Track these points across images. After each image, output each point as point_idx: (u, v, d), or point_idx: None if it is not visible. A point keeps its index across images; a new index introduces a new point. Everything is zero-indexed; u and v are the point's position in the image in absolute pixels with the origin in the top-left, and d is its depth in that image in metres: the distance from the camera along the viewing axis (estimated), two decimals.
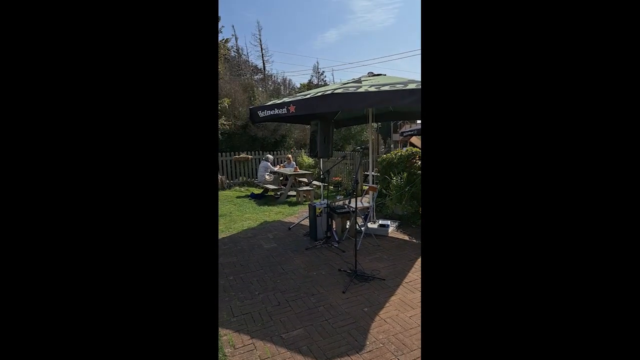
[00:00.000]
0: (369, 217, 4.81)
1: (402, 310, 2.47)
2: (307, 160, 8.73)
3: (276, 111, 3.88)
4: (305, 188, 6.71)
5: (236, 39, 22.90)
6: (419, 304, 2.55)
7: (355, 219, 3.98)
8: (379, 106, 4.17)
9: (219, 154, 8.43)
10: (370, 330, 2.22)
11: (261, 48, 21.31)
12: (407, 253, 3.67)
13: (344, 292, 2.75)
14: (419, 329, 2.23)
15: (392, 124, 14.28)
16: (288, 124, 11.95)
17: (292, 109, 3.65)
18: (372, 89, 3.41)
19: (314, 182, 7.10)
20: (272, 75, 21.36)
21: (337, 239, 4.07)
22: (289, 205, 6.28)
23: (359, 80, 4.15)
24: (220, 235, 4.42)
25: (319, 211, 4.12)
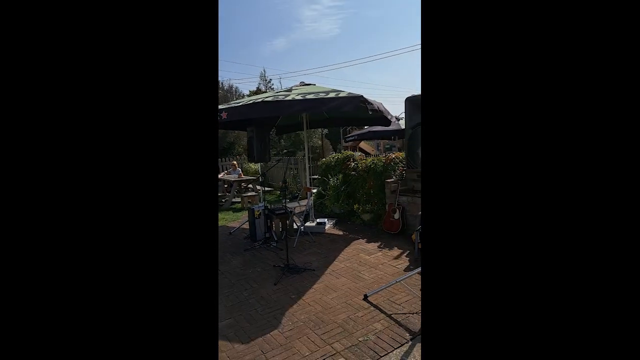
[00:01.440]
0: (309, 216, 5.11)
1: (325, 294, 2.77)
2: (254, 166, 8.83)
3: None
4: (249, 194, 6.82)
5: None
6: (342, 287, 2.88)
7: (292, 219, 4.24)
8: (303, 113, 4.47)
9: None
10: (294, 313, 2.47)
11: None
12: (339, 246, 4.01)
13: (275, 284, 2.98)
14: (338, 307, 2.54)
15: (341, 130, 14.86)
16: (236, 132, 11.91)
17: (224, 115, 3.82)
18: (299, 97, 3.72)
19: (257, 187, 7.24)
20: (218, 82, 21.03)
21: (275, 239, 4.29)
22: (233, 212, 6.35)
23: (289, 90, 4.46)
24: None
25: (258, 214, 4.31)
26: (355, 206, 5.13)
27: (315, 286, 2.93)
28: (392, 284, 2.73)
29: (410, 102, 2.26)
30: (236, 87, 19.88)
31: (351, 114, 5.19)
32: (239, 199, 6.96)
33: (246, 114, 3.74)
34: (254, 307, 2.58)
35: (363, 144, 15.93)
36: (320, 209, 5.98)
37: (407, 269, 3.24)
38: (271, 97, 3.91)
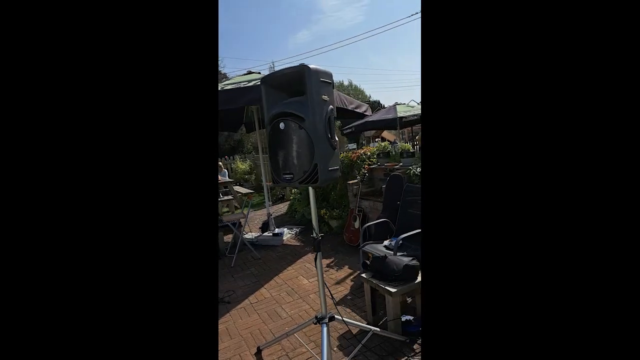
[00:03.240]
0: (268, 225, 4.50)
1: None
2: (242, 166, 8.36)
3: None
4: (226, 198, 6.36)
5: None
6: (244, 330, 2.25)
7: (238, 232, 3.67)
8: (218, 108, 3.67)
9: None
10: None
11: None
12: (282, 265, 3.37)
13: None
14: None
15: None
16: (243, 129, 11.51)
17: None
18: (218, 89, 3.10)
19: (236, 188, 6.76)
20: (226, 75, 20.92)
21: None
22: None
23: (230, 83, 3.85)
24: None
25: None
26: (322, 211, 4.42)
27: None
28: (283, 337, 2.04)
29: (265, 84, 1.53)
30: None
31: None
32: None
33: None
34: None
35: (386, 133, 14.78)
36: (293, 215, 5.34)
37: (343, 299, 2.53)
38: None
